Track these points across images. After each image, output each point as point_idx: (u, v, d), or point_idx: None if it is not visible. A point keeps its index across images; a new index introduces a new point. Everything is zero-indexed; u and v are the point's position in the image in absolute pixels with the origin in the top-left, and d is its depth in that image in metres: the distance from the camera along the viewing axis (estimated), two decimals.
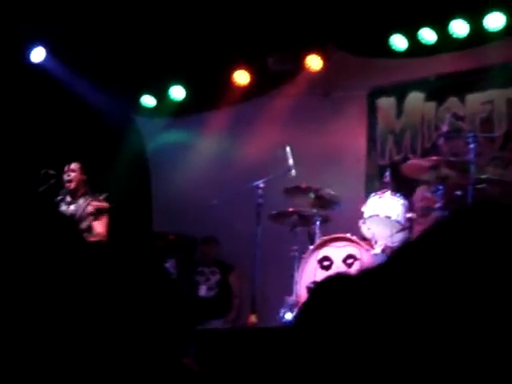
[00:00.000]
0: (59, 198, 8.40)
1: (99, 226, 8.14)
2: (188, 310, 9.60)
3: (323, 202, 8.36)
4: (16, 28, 9.52)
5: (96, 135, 10.41)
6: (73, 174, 8.36)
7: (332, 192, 8.34)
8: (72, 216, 8.17)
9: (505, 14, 8.97)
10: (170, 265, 9.50)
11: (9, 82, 9.79)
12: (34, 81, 9.95)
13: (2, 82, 9.73)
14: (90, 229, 8.10)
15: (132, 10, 9.65)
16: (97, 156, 9.94)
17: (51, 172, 8.21)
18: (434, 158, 7.91)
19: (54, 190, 8.36)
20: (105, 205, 8.15)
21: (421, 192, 8.45)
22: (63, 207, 8.32)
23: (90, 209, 8.13)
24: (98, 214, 8.09)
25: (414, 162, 8.36)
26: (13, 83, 9.82)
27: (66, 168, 8.39)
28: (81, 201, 8.25)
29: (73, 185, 8.34)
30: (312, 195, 8.32)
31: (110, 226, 8.32)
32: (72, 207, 8.27)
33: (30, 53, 10.07)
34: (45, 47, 10.06)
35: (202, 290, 9.92)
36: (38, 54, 10.08)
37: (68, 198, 8.37)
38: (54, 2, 9.39)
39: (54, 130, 10.05)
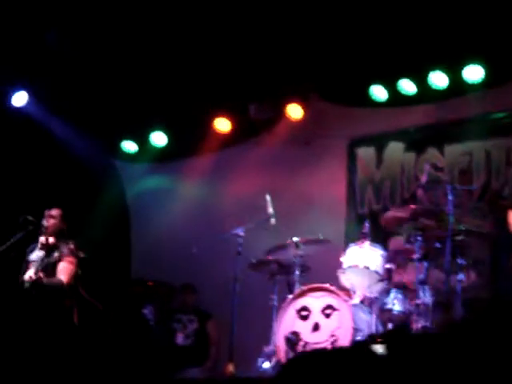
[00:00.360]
0: (36, 242, 8.35)
1: (62, 272, 8.08)
2: (165, 357, 9.55)
3: (302, 250, 8.35)
4: None
5: (76, 180, 10.41)
6: (52, 221, 8.30)
7: (310, 237, 8.34)
8: (40, 261, 8.13)
9: (483, 66, 9.09)
10: (147, 311, 9.46)
11: None
12: (16, 125, 9.94)
13: None
14: (51, 272, 8.06)
15: (114, 56, 9.69)
16: (76, 201, 9.92)
17: (30, 218, 8.15)
18: (413, 206, 7.96)
19: (32, 236, 8.30)
20: (50, 241, 8.10)
21: (395, 242, 8.48)
22: (36, 252, 8.26)
23: (40, 241, 8.14)
24: (46, 246, 8.07)
25: (392, 213, 8.39)
26: None
27: (46, 213, 8.34)
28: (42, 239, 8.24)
29: (50, 231, 8.27)
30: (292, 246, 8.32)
31: (81, 272, 8.26)
32: (41, 253, 8.22)
33: (11, 97, 10.06)
34: (27, 91, 10.06)
35: (179, 338, 9.86)
36: (19, 98, 10.07)
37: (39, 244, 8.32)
38: (37, 47, 9.42)
39: (33, 175, 10.03)
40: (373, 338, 6.84)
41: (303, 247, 8.28)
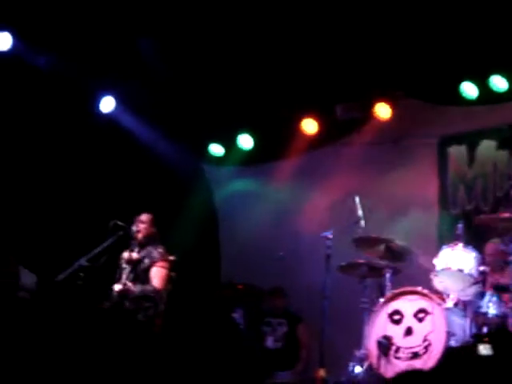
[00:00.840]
0: (130, 248, 8.43)
1: (155, 278, 8.15)
2: (255, 361, 9.52)
3: (393, 254, 8.22)
4: (87, 78, 9.64)
5: (165, 184, 10.49)
6: (142, 226, 8.38)
7: (403, 243, 8.20)
8: (137, 261, 8.21)
9: None
10: (237, 315, 9.44)
11: (80, 132, 9.91)
12: (104, 131, 10.05)
13: (73, 132, 9.86)
14: (143, 279, 8.12)
15: (200, 61, 9.71)
16: (165, 205, 9.99)
17: (120, 224, 8.23)
18: (507, 214, 7.76)
19: (123, 241, 8.38)
20: (134, 256, 8.16)
21: (492, 246, 8.27)
22: (132, 253, 8.34)
23: (126, 258, 8.19)
24: (131, 262, 8.13)
25: (486, 217, 8.20)
26: (83, 133, 9.94)
27: (136, 219, 8.42)
28: (142, 253, 8.30)
29: (140, 236, 8.35)
30: (382, 246, 8.19)
31: (174, 277, 8.31)
32: (136, 254, 8.30)
33: (99, 103, 10.17)
34: (114, 97, 10.17)
35: (269, 341, 9.82)
36: (107, 104, 10.18)
37: (136, 249, 8.39)
38: (126, 53, 9.51)
39: (122, 180, 10.13)
40: (479, 338, 6.67)
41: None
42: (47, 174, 9.83)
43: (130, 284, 8.02)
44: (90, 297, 8.17)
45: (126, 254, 8.22)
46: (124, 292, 7.97)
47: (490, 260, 7.98)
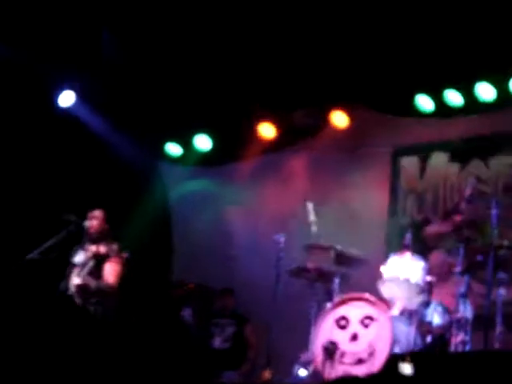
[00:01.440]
0: (81, 243, 8.42)
1: (109, 274, 8.16)
2: (203, 360, 9.58)
3: (343, 260, 8.33)
4: (47, 72, 9.62)
5: (120, 181, 10.48)
6: (95, 222, 8.38)
7: (352, 251, 8.31)
8: (84, 263, 8.20)
9: None
10: (186, 313, 9.49)
11: (37, 125, 9.89)
12: (62, 125, 10.04)
13: (30, 126, 9.83)
14: (97, 274, 8.12)
15: (159, 59, 9.75)
16: (119, 202, 10.00)
17: (72, 218, 8.23)
18: (458, 218, 7.87)
19: (73, 235, 8.37)
20: (101, 251, 8.15)
21: (437, 256, 8.43)
22: (80, 254, 8.34)
23: (92, 251, 8.18)
24: (97, 257, 8.10)
25: (434, 228, 8.35)
26: (41, 126, 9.91)
27: (89, 214, 8.42)
28: (93, 248, 8.29)
29: (93, 231, 8.35)
30: (332, 253, 8.29)
31: (127, 274, 8.32)
32: (85, 255, 8.30)
33: (58, 97, 10.16)
34: (74, 91, 10.16)
35: (217, 342, 9.89)
36: (67, 98, 10.17)
37: (87, 245, 8.39)
38: (84, 47, 9.51)
39: (77, 175, 10.12)
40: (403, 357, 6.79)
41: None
42: (3, 166, 9.78)
43: (88, 278, 8.01)
44: (39, 291, 8.17)
45: (93, 247, 8.16)
46: (83, 286, 7.96)
47: (435, 270, 8.12)
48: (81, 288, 7.95)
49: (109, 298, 8.11)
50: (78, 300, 8.00)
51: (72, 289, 8.01)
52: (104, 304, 8.04)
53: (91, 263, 8.10)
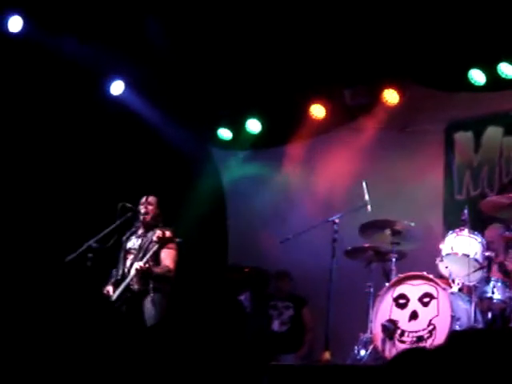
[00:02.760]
0: (132, 229, 8.47)
1: (167, 259, 8.18)
2: (261, 344, 9.59)
3: (399, 237, 8.26)
4: (97, 62, 9.68)
5: (173, 167, 10.52)
6: (150, 207, 8.42)
7: (409, 224, 8.23)
8: (140, 248, 8.23)
9: None
10: (244, 298, 9.51)
11: (89, 114, 9.96)
12: (113, 114, 10.09)
13: (82, 115, 9.90)
14: (155, 260, 8.13)
15: (211, 45, 9.74)
16: (173, 188, 10.04)
17: (128, 205, 8.28)
18: None
19: (129, 223, 8.43)
20: (167, 234, 8.14)
21: (492, 230, 8.31)
22: (133, 240, 8.38)
23: (154, 238, 8.16)
24: (160, 242, 8.10)
25: (492, 199, 8.23)
26: (93, 116, 9.98)
27: (142, 200, 8.45)
28: (149, 234, 8.30)
29: (148, 217, 8.39)
30: (388, 231, 8.23)
31: (180, 259, 8.35)
32: (140, 240, 8.33)
33: (109, 86, 10.22)
34: (124, 80, 10.21)
35: (275, 325, 9.90)
36: (117, 87, 10.23)
37: (140, 231, 8.42)
38: (135, 36, 9.54)
39: (130, 163, 10.18)
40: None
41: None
42: (57, 157, 9.88)
43: (152, 263, 8.04)
44: (98, 278, 8.24)
45: (159, 232, 8.16)
46: (146, 270, 7.98)
47: (493, 244, 8.01)
48: (143, 272, 7.96)
49: (166, 283, 8.15)
50: (136, 286, 8.04)
51: (131, 273, 8.03)
52: (162, 290, 8.08)
53: (155, 248, 8.10)
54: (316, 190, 10.34)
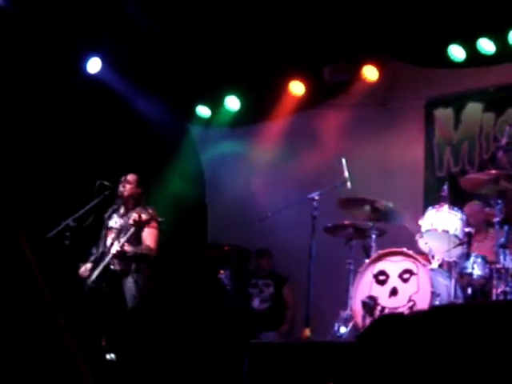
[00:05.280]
0: (114, 207, 8.41)
1: (148, 239, 8.13)
2: (241, 321, 9.57)
3: (379, 214, 8.23)
4: (73, 39, 9.57)
5: (151, 145, 10.45)
6: (128, 186, 8.35)
7: (389, 203, 8.21)
8: (121, 228, 8.18)
9: None
10: (224, 276, 9.48)
11: (65, 92, 9.85)
12: (90, 91, 9.99)
13: (58, 93, 9.80)
14: (137, 239, 8.08)
15: (188, 21, 9.65)
16: (151, 165, 9.97)
17: (106, 183, 8.21)
18: (493, 171, 7.74)
19: (108, 201, 8.37)
20: (149, 216, 8.07)
21: (472, 206, 8.32)
22: (115, 219, 8.33)
23: (133, 219, 8.10)
24: (136, 225, 8.03)
25: (472, 176, 8.22)
26: (69, 94, 9.88)
27: (122, 179, 8.39)
28: (130, 214, 8.24)
29: (126, 194, 8.33)
30: (368, 207, 8.20)
31: (161, 238, 8.30)
32: (122, 220, 8.27)
33: (86, 63, 10.11)
34: (100, 58, 10.10)
35: (256, 303, 9.89)
36: (93, 65, 10.12)
37: (122, 210, 8.37)
38: (111, 13, 9.43)
39: (108, 140, 10.10)
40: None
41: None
42: (34, 135, 9.78)
43: (126, 245, 8.00)
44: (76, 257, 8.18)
45: (134, 215, 8.09)
46: (121, 253, 7.94)
47: (471, 219, 8.01)
48: (119, 255, 7.93)
49: (148, 263, 8.10)
50: (117, 266, 8.01)
51: (110, 254, 7.99)
52: (143, 271, 8.03)
53: (132, 230, 8.04)
54: (295, 167, 10.31)
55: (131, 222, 8.02)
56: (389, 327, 2.39)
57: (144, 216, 8.03)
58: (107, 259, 7.96)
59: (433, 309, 5.64)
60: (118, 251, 7.90)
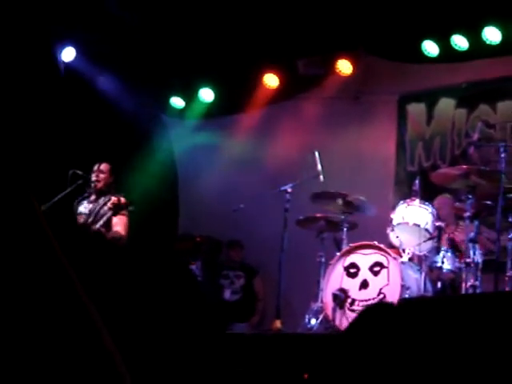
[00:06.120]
0: (84, 195, 8.40)
1: (118, 225, 8.12)
2: (213, 313, 9.60)
3: (351, 208, 8.29)
4: (47, 28, 9.52)
5: (124, 135, 10.42)
6: (101, 175, 8.35)
7: (360, 197, 8.27)
8: (90, 213, 8.17)
9: None
10: (195, 267, 9.48)
11: (39, 81, 9.80)
12: (64, 80, 9.95)
13: (32, 82, 9.74)
14: (107, 226, 8.08)
15: (163, 13, 9.63)
16: (125, 155, 9.95)
17: (79, 172, 8.20)
18: (464, 166, 7.82)
19: (81, 190, 8.35)
20: (122, 201, 8.06)
21: (442, 199, 8.40)
22: (84, 204, 8.32)
23: (108, 205, 8.08)
24: (115, 209, 8.02)
25: (443, 170, 8.30)
26: (42, 83, 9.83)
27: (95, 168, 8.38)
28: (101, 199, 8.24)
29: (100, 185, 8.32)
30: (340, 201, 8.25)
31: (132, 227, 8.29)
32: (91, 205, 8.27)
33: (60, 52, 10.06)
34: (75, 47, 10.06)
35: (227, 294, 9.91)
36: (68, 54, 10.07)
37: (92, 197, 8.36)
38: (86, 2, 9.39)
39: (81, 130, 10.06)
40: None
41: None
42: (7, 123, 9.71)
43: (103, 230, 7.99)
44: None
45: (114, 198, 8.06)
46: (100, 236, 7.92)
47: (441, 214, 8.08)
48: (94, 235, 7.90)
49: (118, 249, 8.08)
50: None
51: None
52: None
53: (109, 214, 8.02)
54: (268, 160, 10.33)
55: (109, 205, 8.01)
56: (378, 318, 2.44)
57: (123, 200, 8.04)
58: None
59: (402, 302, 5.69)
60: (95, 232, 7.88)
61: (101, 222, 7.99)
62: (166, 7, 9.61)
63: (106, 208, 8.09)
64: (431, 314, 4.89)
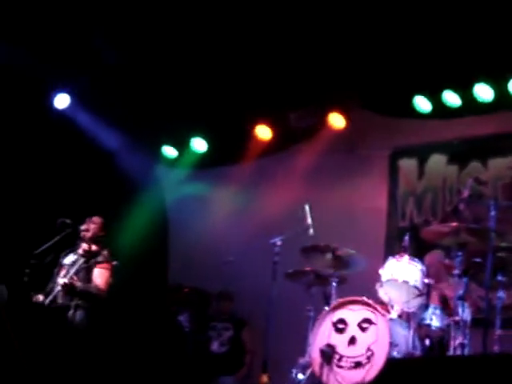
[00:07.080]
0: (72, 248, 8.39)
1: (98, 279, 8.11)
2: (200, 365, 9.51)
3: (340, 262, 8.25)
4: (42, 74, 9.57)
5: (116, 184, 10.43)
6: (92, 226, 8.36)
7: (350, 251, 8.23)
8: (71, 265, 8.16)
9: None
10: (183, 318, 9.44)
11: (32, 127, 9.83)
12: (57, 128, 9.98)
13: (25, 128, 9.77)
14: (87, 277, 8.06)
15: (156, 63, 9.70)
16: (116, 204, 9.95)
17: (67, 221, 8.19)
18: (454, 223, 7.79)
19: (69, 239, 8.33)
20: (94, 248, 8.09)
21: (432, 256, 8.38)
22: (70, 256, 8.31)
23: (79, 251, 8.10)
24: (86, 256, 8.03)
25: (434, 227, 8.28)
26: (36, 129, 9.86)
27: (87, 220, 8.40)
28: (84, 246, 8.24)
29: (89, 234, 8.31)
30: (329, 255, 8.22)
31: (120, 278, 8.28)
32: (75, 257, 8.26)
33: (54, 99, 10.10)
34: (69, 94, 10.10)
35: (215, 346, 9.83)
36: (62, 101, 10.12)
37: (79, 250, 8.33)
38: (81, 50, 9.45)
39: (73, 178, 10.07)
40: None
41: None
42: None
43: (75, 278, 7.97)
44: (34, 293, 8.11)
45: (84, 245, 8.08)
46: (69, 286, 7.91)
47: (432, 271, 8.05)
48: (66, 287, 7.90)
49: (95, 302, 8.05)
50: (61, 300, 7.96)
51: (57, 288, 7.96)
52: (87, 308, 7.97)
53: (81, 261, 8.04)
54: (259, 212, 10.32)
55: (81, 251, 8.03)
56: None
57: (94, 247, 8.04)
58: (53, 293, 7.94)
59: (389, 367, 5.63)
60: (65, 283, 7.88)
61: (72, 272, 7.99)
62: (159, 57, 9.67)
63: (89, 261, 8.11)
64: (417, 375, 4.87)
